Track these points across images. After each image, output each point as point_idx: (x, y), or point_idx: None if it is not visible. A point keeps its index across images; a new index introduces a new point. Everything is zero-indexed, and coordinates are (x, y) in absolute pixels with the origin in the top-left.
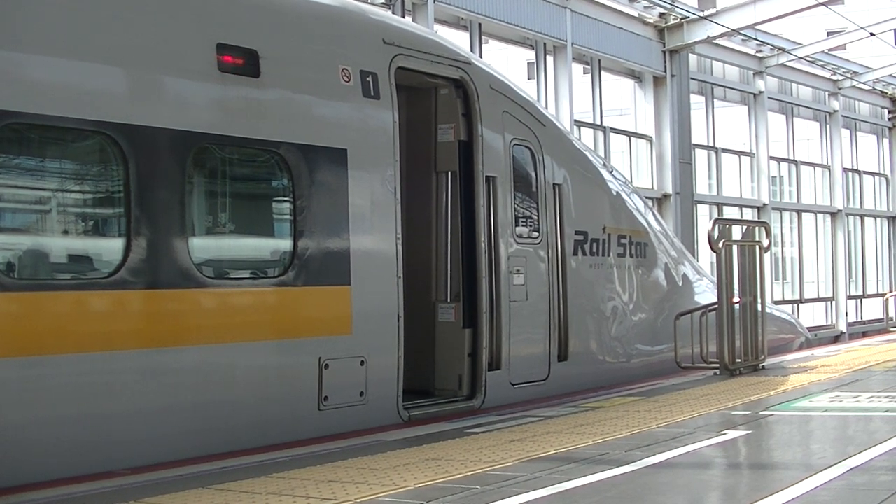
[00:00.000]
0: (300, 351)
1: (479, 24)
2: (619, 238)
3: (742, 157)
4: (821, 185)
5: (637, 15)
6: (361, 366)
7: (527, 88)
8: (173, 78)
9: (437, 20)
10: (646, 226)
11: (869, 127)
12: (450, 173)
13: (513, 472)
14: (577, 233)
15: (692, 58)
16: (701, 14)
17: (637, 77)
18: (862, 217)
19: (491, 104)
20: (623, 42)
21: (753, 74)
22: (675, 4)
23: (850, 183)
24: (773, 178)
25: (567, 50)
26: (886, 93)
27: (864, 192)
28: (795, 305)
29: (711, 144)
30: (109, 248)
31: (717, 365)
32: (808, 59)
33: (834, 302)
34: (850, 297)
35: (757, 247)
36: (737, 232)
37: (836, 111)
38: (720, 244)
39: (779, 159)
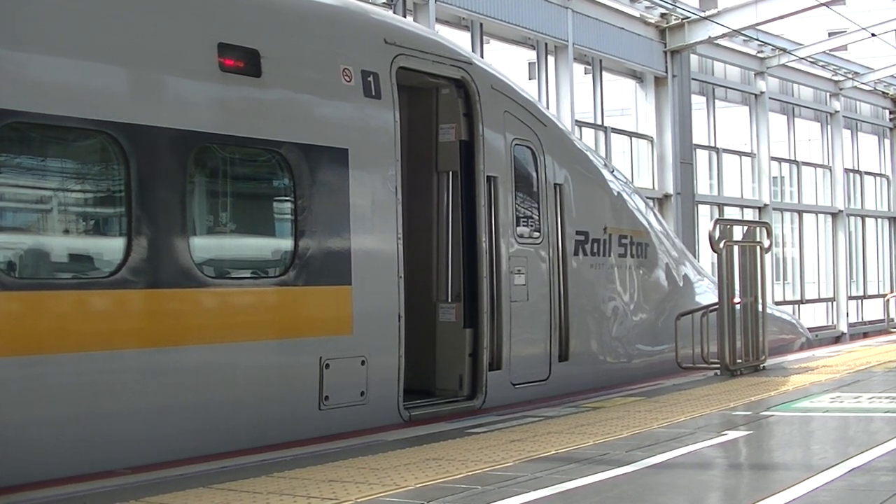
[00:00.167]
0: (301, 351)
1: (481, 24)
2: (620, 238)
3: (743, 157)
4: (822, 185)
5: (638, 15)
6: (362, 365)
7: (528, 88)
8: (174, 77)
9: (438, 20)
10: (647, 226)
11: (870, 127)
12: (451, 173)
13: (513, 472)
14: (578, 233)
15: (693, 58)
16: (702, 14)
17: (638, 77)
18: (863, 218)
19: (492, 104)
20: (624, 42)
21: (754, 75)
22: (677, 5)
23: (852, 183)
24: (775, 178)
25: (568, 50)
26: (888, 93)
27: (866, 192)
28: (796, 306)
29: (712, 145)
30: (110, 247)
31: (718, 365)
32: (809, 59)
33: (835, 302)
34: (850, 298)
35: (758, 247)
36: (738, 232)
37: (837, 112)
38: (721, 244)
39: (780, 160)
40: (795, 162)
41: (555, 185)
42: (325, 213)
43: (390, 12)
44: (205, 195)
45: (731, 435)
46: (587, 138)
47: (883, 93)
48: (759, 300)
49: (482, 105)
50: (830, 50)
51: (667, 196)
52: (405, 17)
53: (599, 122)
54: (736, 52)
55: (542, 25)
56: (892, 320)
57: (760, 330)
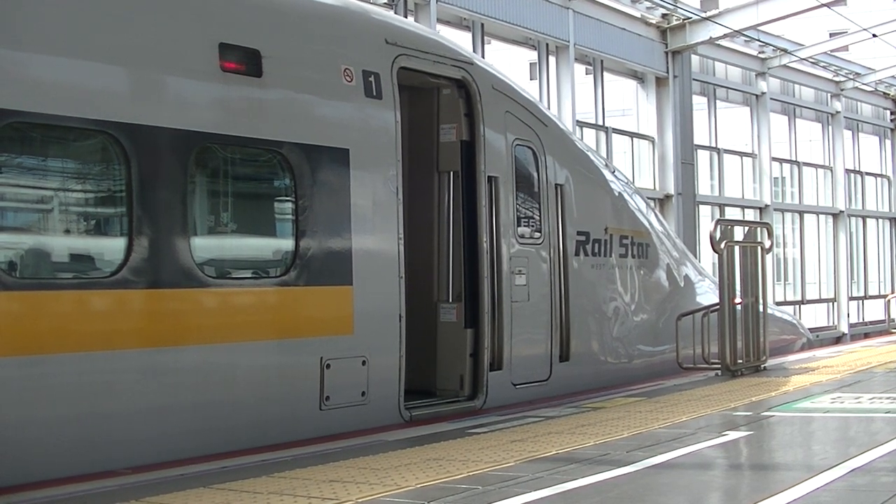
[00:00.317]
0: (302, 351)
1: (482, 25)
2: (620, 238)
3: (744, 157)
4: (823, 186)
5: (639, 16)
6: (363, 366)
7: (529, 89)
8: (175, 77)
9: (439, 20)
10: (648, 226)
11: (871, 128)
12: (452, 173)
13: (514, 472)
14: (578, 233)
15: (694, 59)
16: (703, 15)
17: (639, 78)
18: (864, 218)
19: (493, 104)
20: (625, 43)
21: (756, 75)
22: (678, 5)
23: (853, 184)
24: (776, 179)
25: (569, 50)
26: (889, 94)
27: (867, 193)
28: (797, 306)
29: (713, 145)
30: (111, 247)
31: (719, 366)
32: (810, 60)
33: (836, 303)
34: (851, 299)
35: (759, 248)
36: (739, 233)
37: (838, 112)
38: (722, 245)
39: (781, 160)
40: (796, 162)
41: (556, 185)
42: (326, 213)
43: (391, 12)
44: (206, 195)
45: (732, 435)
46: (588, 139)
47: (884, 93)
48: (760, 301)
49: (483, 105)
50: (831, 50)
51: (668, 196)
52: (406, 17)
53: (600, 123)
54: (737, 52)
55: (543, 26)
56: (893, 321)
57: (761, 330)
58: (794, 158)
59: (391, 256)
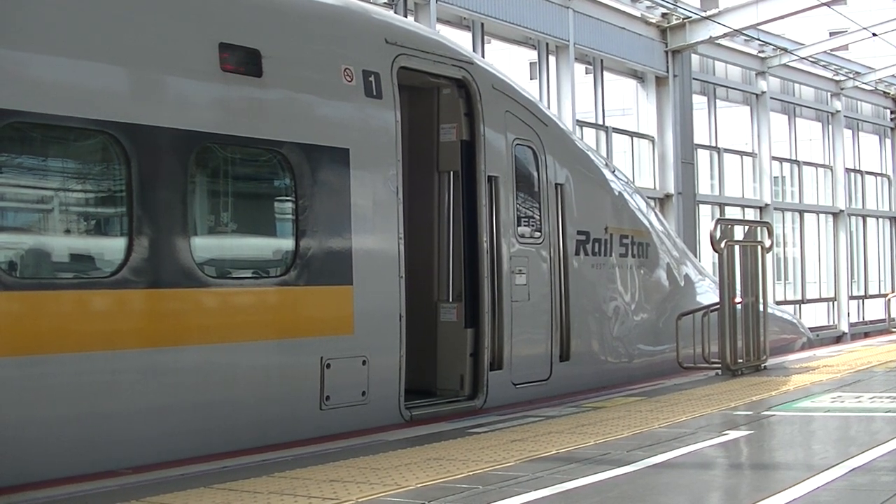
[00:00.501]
0: (302, 350)
1: (482, 24)
2: (621, 238)
3: (744, 157)
4: (823, 185)
5: (639, 15)
6: (363, 365)
7: (529, 88)
8: (176, 77)
9: (439, 20)
10: (648, 226)
11: (871, 127)
12: (452, 173)
13: (514, 471)
14: (579, 233)
15: (694, 58)
16: (703, 14)
17: (639, 77)
18: (864, 217)
19: (493, 104)
20: (625, 42)
21: (756, 75)
22: (678, 4)
23: (853, 183)
24: (776, 178)
25: (569, 50)
26: (889, 93)
27: (867, 192)
28: (797, 306)
29: (714, 145)
30: (111, 247)
31: (719, 365)
32: (810, 59)
33: (836, 302)
34: (851, 298)
35: (759, 247)
36: (739, 232)
37: (838, 111)
38: (722, 244)
39: (781, 159)
40: (796, 162)
41: (556, 184)
42: (326, 212)
43: (391, 12)
44: (206, 195)
45: (733, 435)
46: (588, 138)
47: (884, 92)
48: (760, 300)
49: (483, 105)
50: (831, 50)
51: (668, 196)
52: (406, 16)
53: (600, 122)
54: (737, 51)
55: (543, 25)
56: (894, 320)
57: (761, 330)
58: (794, 158)
59: (391, 256)
